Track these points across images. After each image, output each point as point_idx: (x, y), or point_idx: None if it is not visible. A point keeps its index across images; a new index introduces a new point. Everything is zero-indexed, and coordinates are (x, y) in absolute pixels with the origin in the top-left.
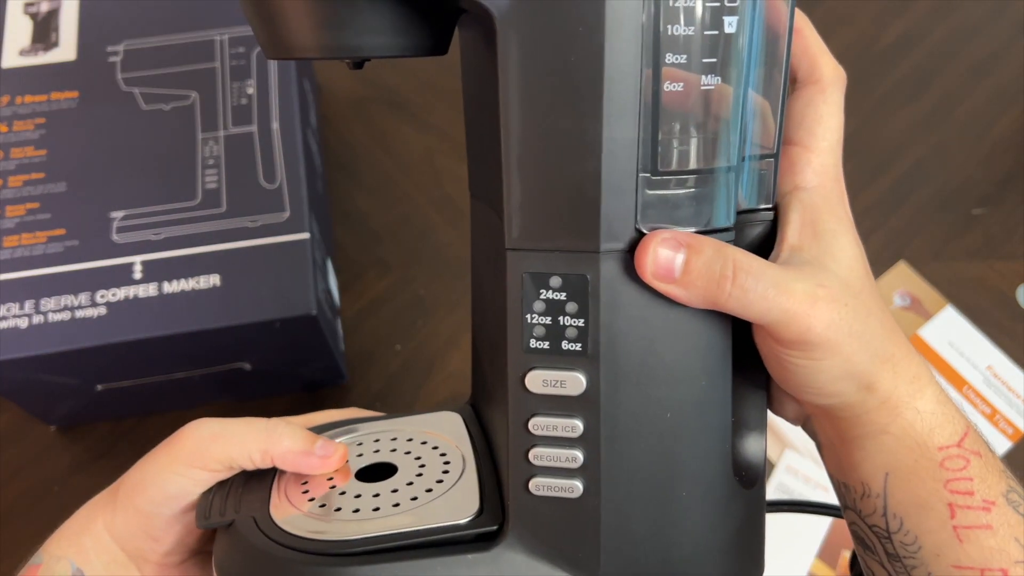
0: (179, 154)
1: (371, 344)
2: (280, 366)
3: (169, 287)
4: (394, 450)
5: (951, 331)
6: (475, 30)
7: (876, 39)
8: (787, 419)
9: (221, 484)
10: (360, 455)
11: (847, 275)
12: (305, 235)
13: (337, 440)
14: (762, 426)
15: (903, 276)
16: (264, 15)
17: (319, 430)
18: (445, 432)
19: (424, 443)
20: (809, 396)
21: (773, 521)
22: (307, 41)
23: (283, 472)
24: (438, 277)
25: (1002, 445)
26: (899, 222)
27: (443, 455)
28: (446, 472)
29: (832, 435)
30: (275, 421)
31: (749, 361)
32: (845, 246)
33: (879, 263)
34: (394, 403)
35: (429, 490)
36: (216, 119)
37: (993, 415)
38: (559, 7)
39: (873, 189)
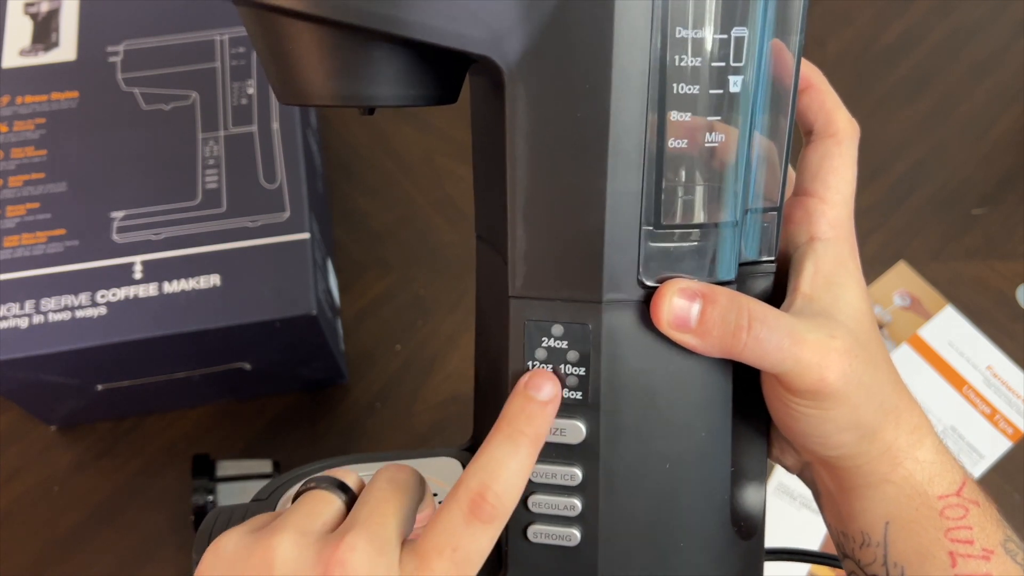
0: (179, 154)
1: (371, 344)
2: (280, 366)
3: (169, 287)
4: None
5: (951, 331)
6: (484, 78)
7: (876, 39)
8: (786, 467)
9: (223, 512)
10: None
11: (855, 327)
12: (305, 235)
13: None
14: (762, 476)
15: (903, 276)
16: (280, 63)
17: (303, 474)
18: (444, 478)
19: None
20: (813, 446)
21: (772, 517)
22: (321, 90)
23: (287, 504)
24: (438, 277)
25: (1002, 445)
26: (899, 222)
27: (441, 502)
28: None
29: (832, 485)
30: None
31: (750, 409)
32: (853, 299)
33: (879, 263)
34: (394, 403)
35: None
36: (216, 119)
37: (993, 415)
38: (567, 64)
39: (873, 189)
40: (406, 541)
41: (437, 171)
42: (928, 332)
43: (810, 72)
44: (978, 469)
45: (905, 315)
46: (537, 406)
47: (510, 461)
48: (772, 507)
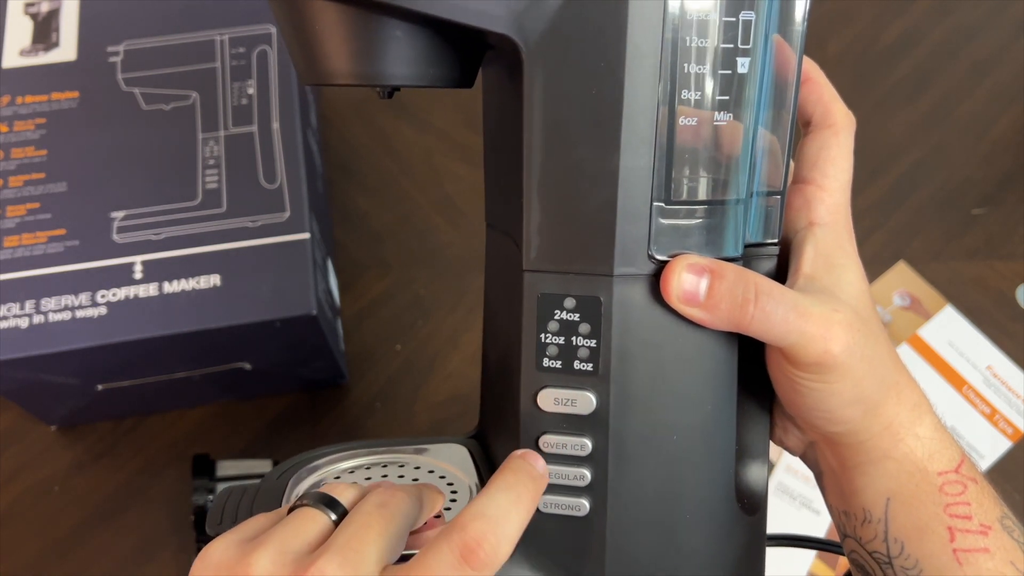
0: (179, 154)
1: (371, 344)
2: (280, 366)
3: (169, 287)
4: (401, 476)
5: (951, 331)
6: (499, 65)
7: (876, 39)
8: (788, 449)
9: (232, 493)
10: (368, 479)
11: (856, 304)
12: (305, 235)
13: (345, 464)
14: (765, 455)
15: (903, 276)
16: (303, 42)
17: (312, 457)
18: (452, 464)
19: (431, 472)
20: (819, 421)
21: (772, 519)
22: (343, 68)
23: (292, 490)
24: (438, 277)
25: (1002, 445)
26: (899, 222)
27: (450, 484)
28: (454, 501)
29: (834, 462)
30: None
31: (754, 389)
32: (853, 279)
33: (879, 263)
34: (394, 403)
35: (437, 516)
36: (216, 119)
37: (993, 415)
38: (583, 44)
39: (873, 189)
40: (389, 566)
41: (437, 171)
42: (928, 332)
43: (808, 66)
44: None
45: (905, 315)
46: (539, 473)
47: (512, 513)
48: (771, 507)
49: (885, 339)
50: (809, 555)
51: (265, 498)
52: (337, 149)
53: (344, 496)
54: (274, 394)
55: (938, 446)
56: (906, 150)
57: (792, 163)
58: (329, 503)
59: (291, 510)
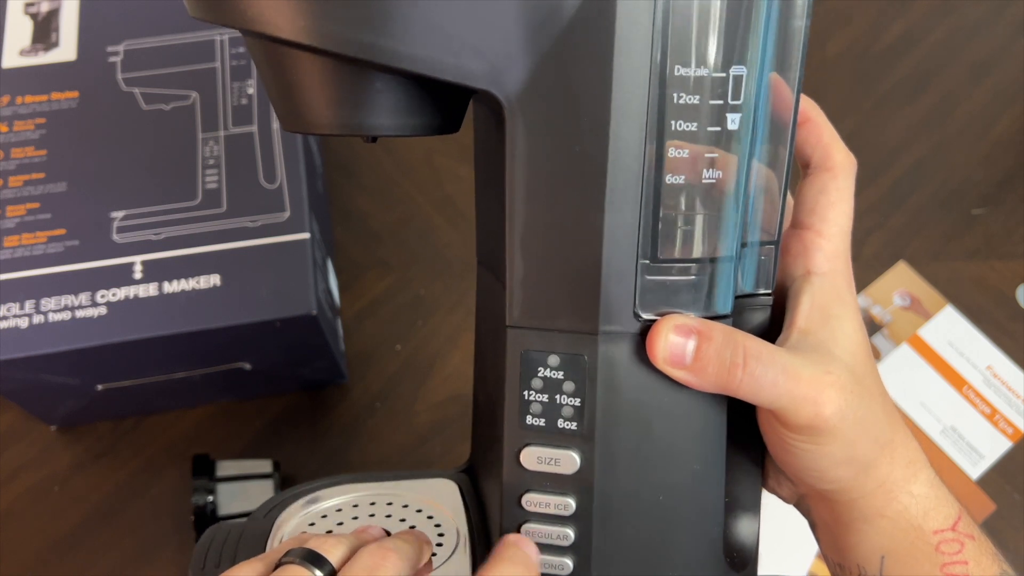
0: (179, 154)
1: (371, 344)
2: (280, 366)
3: (169, 287)
4: (389, 516)
5: (951, 331)
6: (487, 108)
7: (876, 39)
8: (782, 498)
9: (220, 530)
10: (355, 518)
11: (851, 361)
12: (305, 235)
13: (331, 502)
14: (756, 507)
15: (903, 276)
16: (284, 93)
17: (297, 494)
18: (441, 501)
19: (419, 511)
20: (810, 480)
21: (773, 519)
22: (324, 119)
23: (278, 530)
24: (438, 277)
25: (1002, 445)
26: (899, 222)
27: (438, 525)
28: (440, 545)
29: (828, 517)
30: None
31: (745, 440)
32: (850, 332)
33: (879, 263)
34: (394, 403)
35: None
36: (216, 119)
37: (993, 415)
38: (566, 98)
39: (873, 189)
40: None
41: (437, 171)
42: (928, 332)
43: (808, 106)
44: (978, 469)
45: (905, 315)
46: (533, 563)
47: None
48: (769, 505)
49: (880, 395)
50: (810, 554)
51: (250, 541)
52: (337, 149)
53: (332, 553)
54: (274, 394)
55: (934, 503)
56: (906, 150)
57: (789, 206)
58: (315, 560)
59: (277, 565)
